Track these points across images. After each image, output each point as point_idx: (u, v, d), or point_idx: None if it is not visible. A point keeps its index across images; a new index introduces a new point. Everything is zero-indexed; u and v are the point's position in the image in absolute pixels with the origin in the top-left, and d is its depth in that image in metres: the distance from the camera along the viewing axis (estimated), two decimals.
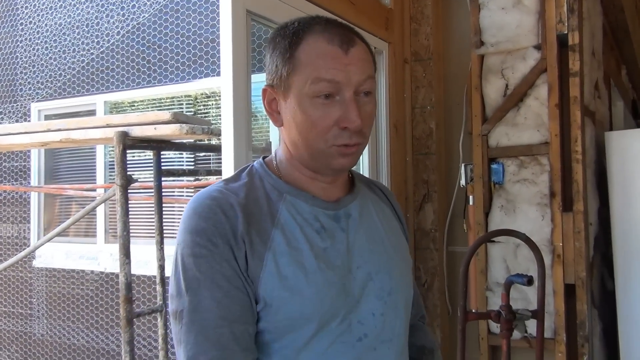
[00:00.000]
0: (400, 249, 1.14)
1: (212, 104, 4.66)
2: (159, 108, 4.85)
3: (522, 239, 2.03)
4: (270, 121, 1.08)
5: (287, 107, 1.01)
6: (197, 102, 4.77)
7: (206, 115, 4.68)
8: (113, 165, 4.18)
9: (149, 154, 3.29)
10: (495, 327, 2.45)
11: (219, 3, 1.79)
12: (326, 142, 0.98)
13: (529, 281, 1.88)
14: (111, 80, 4.88)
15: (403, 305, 1.09)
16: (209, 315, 0.90)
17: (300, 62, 0.98)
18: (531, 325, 2.15)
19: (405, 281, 1.12)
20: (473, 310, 2.58)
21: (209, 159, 4.46)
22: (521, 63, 2.54)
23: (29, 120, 5.36)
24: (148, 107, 4.92)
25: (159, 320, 2.76)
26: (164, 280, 2.77)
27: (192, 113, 4.69)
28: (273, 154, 1.10)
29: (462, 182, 2.70)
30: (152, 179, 2.95)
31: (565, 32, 2.43)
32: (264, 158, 1.10)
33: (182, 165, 4.53)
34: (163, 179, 2.89)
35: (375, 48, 2.60)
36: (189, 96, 4.74)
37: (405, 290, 1.11)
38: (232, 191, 1.00)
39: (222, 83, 1.79)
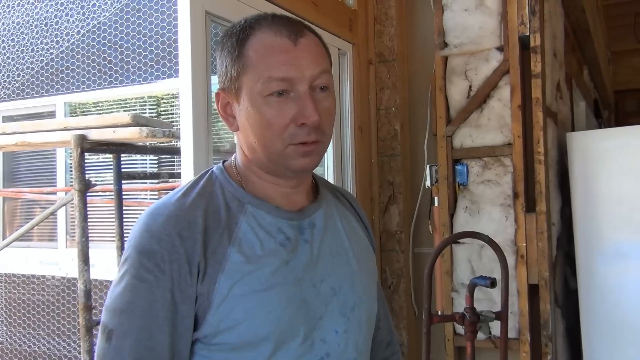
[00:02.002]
0: (364, 260, 1.09)
1: (177, 103, 4.59)
2: (124, 109, 4.76)
3: (486, 241, 2.03)
4: (226, 126, 1.04)
5: (240, 110, 0.96)
6: (163, 102, 4.70)
7: (171, 116, 4.61)
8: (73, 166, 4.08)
9: (111, 156, 3.22)
10: (461, 328, 2.45)
11: (178, 2, 1.75)
12: (283, 141, 0.93)
13: (492, 283, 1.88)
14: (71, 80, 4.77)
15: (366, 320, 1.05)
16: (138, 346, 0.86)
17: (250, 60, 0.93)
18: (495, 326, 2.16)
19: (368, 295, 1.07)
20: (438, 313, 2.58)
21: (173, 161, 4.38)
22: (484, 64, 2.55)
23: None
24: (113, 107, 4.82)
25: None
26: None
27: (155, 114, 4.61)
28: (232, 158, 1.04)
29: (427, 183, 2.70)
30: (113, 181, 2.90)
31: (527, 33, 2.44)
32: (223, 162, 1.04)
33: (146, 167, 4.45)
34: (124, 182, 2.82)
35: (339, 49, 2.58)
36: (153, 97, 4.67)
37: (369, 304, 1.07)
38: (191, 205, 0.94)
39: (181, 84, 1.75)
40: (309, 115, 0.91)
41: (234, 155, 1.04)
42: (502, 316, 2.03)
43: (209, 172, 1.03)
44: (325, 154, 2.53)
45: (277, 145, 0.93)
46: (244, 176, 1.01)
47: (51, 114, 4.90)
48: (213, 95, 1.81)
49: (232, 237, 0.93)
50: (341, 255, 1.03)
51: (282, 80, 0.91)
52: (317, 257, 0.99)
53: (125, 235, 2.85)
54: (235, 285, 0.90)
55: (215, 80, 1.84)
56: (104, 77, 4.63)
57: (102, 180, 4.44)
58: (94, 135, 2.35)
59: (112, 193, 3.01)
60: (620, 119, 7.48)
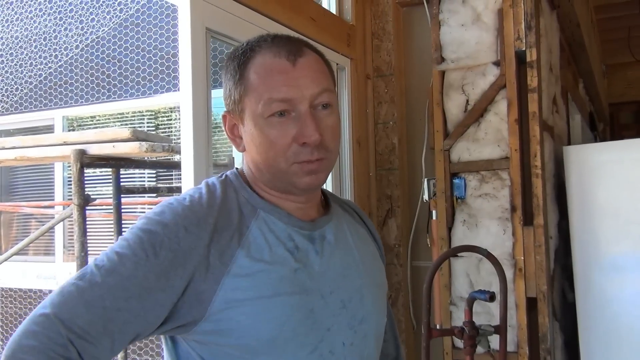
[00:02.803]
0: (374, 274, 1.10)
1: (175, 116, 4.61)
2: (122, 122, 4.78)
3: (484, 255, 2.04)
4: (233, 146, 1.05)
5: (245, 131, 0.98)
6: (160, 116, 4.71)
7: (168, 129, 4.62)
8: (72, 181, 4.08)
9: (109, 170, 3.23)
10: (460, 342, 2.45)
11: (179, 19, 1.77)
12: (287, 160, 0.94)
13: (491, 297, 1.88)
14: (70, 94, 4.78)
15: (374, 334, 1.05)
16: (97, 302, 0.84)
17: (251, 82, 0.95)
18: (494, 340, 2.16)
19: (378, 308, 1.08)
20: (437, 326, 2.59)
21: (171, 175, 4.39)
22: (481, 79, 2.57)
23: None
24: (109, 121, 4.83)
25: None
26: None
27: (153, 127, 4.62)
28: (242, 168, 1.05)
29: (425, 197, 2.71)
30: (112, 196, 2.90)
31: (524, 48, 2.47)
32: (236, 169, 1.06)
33: (144, 181, 4.45)
34: (123, 196, 2.83)
35: (337, 64, 2.61)
36: (151, 111, 4.68)
37: (378, 318, 1.08)
38: (206, 205, 0.95)
39: (182, 100, 1.76)
40: (310, 135, 0.93)
41: (242, 167, 1.06)
42: (500, 330, 2.04)
43: (223, 176, 1.04)
44: None
45: (281, 164, 0.95)
46: (255, 189, 1.02)
47: (49, 128, 4.91)
48: (214, 110, 1.84)
49: (242, 241, 0.94)
50: (351, 268, 1.04)
51: (282, 101, 0.93)
52: (327, 268, 1.00)
53: None
54: (240, 288, 0.90)
55: (215, 95, 1.86)
56: (102, 91, 4.64)
57: (99, 194, 4.44)
58: (94, 150, 2.36)
59: (110, 207, 3.01)
60: (616, 131, 7.53)
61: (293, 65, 0.95)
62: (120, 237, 0.92)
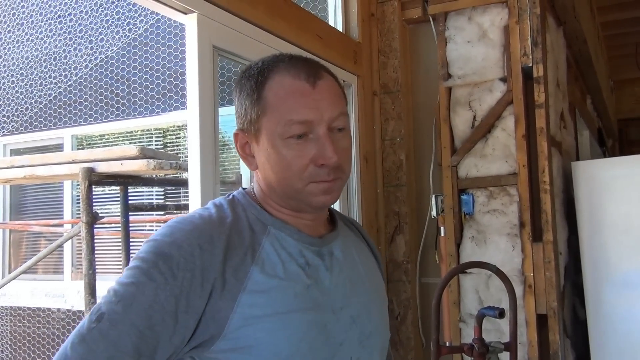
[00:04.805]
0: (378, 290, 1.12)
1: (183, 134, 4.64)
2: (130, 140, 4.81)
3: (493, 271, 2.02)
4: (245, 165, 1.05)
5: (260, 150, 0.98)
6: (169, 134, 4.74)
7: (176, 147, 4.64)
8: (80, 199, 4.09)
9: (117, 188, 3.25)
10: None
11: (186, 38, 1.78)
12: (303, 180, 0.95)
13: (501, 314, 1.86)
14: (79, 113, 4.83)
15: (379, 349, 1.07)
16: (125, 339, 0.84)
17: (269, 103, 0.95)
18: (504, 358, 2.13)
19: (383, 324, 1.10)
20: (446, 344, 2.56)
21: (179, 192, 4.40)
22: (488, 95, 2.57)
23: None
24: (118, 139, 4.87)
25: None
26: None
27: (162, 146, 4.65)
28: (250, 188, 1.06)
29: (433, 213, 2.70)
30: (120, 213, 2.91)
31: (530, 64, 2.47)
32: (244, 189, 1.06)
33: (152, 198, 4.46)
34: (131, 213, 2.83)
35: (344, 81, 2.61)
36: (159, 129, 4.71)
37: (383, 333, 1.09)
38: (217, 223, 0.95)
39: (189, 118, 1.77)
40: (329, 157, 0.94)
41: (251, 185, 1.06)
42: (511, 347, 2.01)
43: (230, 196, 1.04)
44: None
45: (297, 184, 0.96)
46: (264, 205, 1.02)
47: (58, 147, 4.95)
48: (221, 128, 1.85)
49: (255, 258, 0.94)
50: (358, 284, 1.05)
51: (302, 123, 0.94)
52: (336, 284, 1.00)
53: None
54: (257, 305, 0.90)
55: (222, 113, 1.87)
56: (111, 109, 4.68)
57: (108, 212, 4.45)
58: (102, 167, 2.37)
59: (118, 225, 3.02)
60: (625, 147, 7.50)
61: (313, 88, 0.95)
62: (127, 267, 0.91)
